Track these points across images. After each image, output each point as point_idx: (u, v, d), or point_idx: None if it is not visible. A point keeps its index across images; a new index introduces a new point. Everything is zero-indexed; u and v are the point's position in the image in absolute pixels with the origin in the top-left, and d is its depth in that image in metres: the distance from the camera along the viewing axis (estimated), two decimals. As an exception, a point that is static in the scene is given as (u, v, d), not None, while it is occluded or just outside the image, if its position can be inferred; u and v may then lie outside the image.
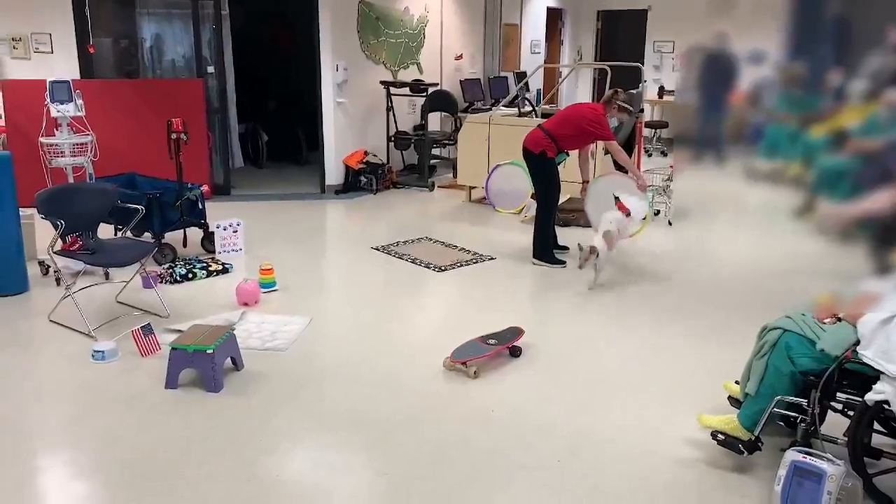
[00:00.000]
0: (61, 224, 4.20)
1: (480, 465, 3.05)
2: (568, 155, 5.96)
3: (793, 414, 2.95)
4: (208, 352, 3.58)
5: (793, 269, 5.80)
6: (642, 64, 9.51)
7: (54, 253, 4.36)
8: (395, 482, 2.92)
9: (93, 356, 3.95)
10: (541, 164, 5.78)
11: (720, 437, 3.01)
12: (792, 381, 2.91)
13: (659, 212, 7.41)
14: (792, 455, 2.67)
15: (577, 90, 13.16)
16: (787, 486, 2.64)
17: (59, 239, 4.36)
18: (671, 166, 7.76)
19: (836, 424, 2.94)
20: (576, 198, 6.98)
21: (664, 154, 11.36)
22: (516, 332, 4.18)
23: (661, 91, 12.11)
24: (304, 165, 9.85)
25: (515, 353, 4.09)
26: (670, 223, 7.20)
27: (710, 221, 7.60)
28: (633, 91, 8.08)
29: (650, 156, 11.01)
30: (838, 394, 2.89)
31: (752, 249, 6.52)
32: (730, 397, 3.38)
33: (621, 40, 13.37)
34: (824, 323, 2.95)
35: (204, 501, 2.77)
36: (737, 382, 3.37)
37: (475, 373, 3.79)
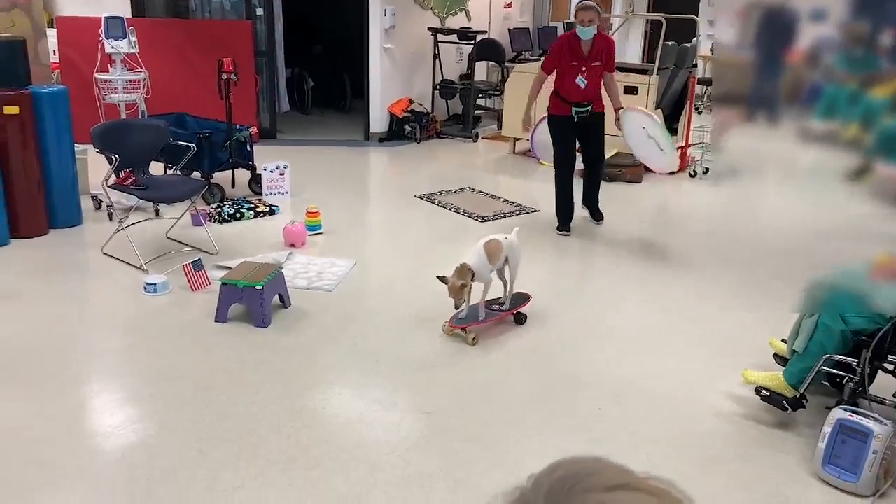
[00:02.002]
0: (116, 158, 4.28)
1: (518, 409, 3.09)
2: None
3: (840, 373, 2.92)
4: (257, 288, 3.66)
5: (844, 231, 5.66)
6: (697, 17, 9.21)
7: (108, 187, 4.46)
8: (435, 420, 2.98)
9: (145, 288, 4.06)
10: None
11: (764, 392, 3.00)
12: (842, 339, 2.87)
13: (707, 170, 7.28)
14: (838, 413, 2.66)
15: (628, 42, 12.84)
16: (831, 443, 2.63)
17: (114, 173, 4.45)
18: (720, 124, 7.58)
19: (884, 386, 2.90)
20: (623, 152, 6.88)
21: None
22: (523, 299, 3.96)
23: (715, 47, 11.75)
24: (348, 112, 9.84)
25: (520, 320, 3.87)
26: (716, 182, 7.07)
27: (760, 181, 7.43)
28: (687, 45, 7.86)
29: (700, 113, 10.74)
30: (889, 355, 2.85)
31: (802, 210, 6.37)
32: (775, 355, 3.36)
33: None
34: (880, 282, 2.90)
35: (253, 429, 2.86)
36: (783, 340, 3.34)
37: (474, 339, 3.60)
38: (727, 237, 5.52)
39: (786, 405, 2.93)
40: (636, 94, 7.02)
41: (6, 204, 4.71)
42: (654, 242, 5.37)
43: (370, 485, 2.57)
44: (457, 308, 3.62)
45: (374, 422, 2.97)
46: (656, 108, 7.12)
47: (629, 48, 12.96)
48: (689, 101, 7.60)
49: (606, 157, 6.79)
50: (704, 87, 11.13)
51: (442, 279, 3.58)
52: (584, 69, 5.05)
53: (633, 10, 12.97)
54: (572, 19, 5.27)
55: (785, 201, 6.96)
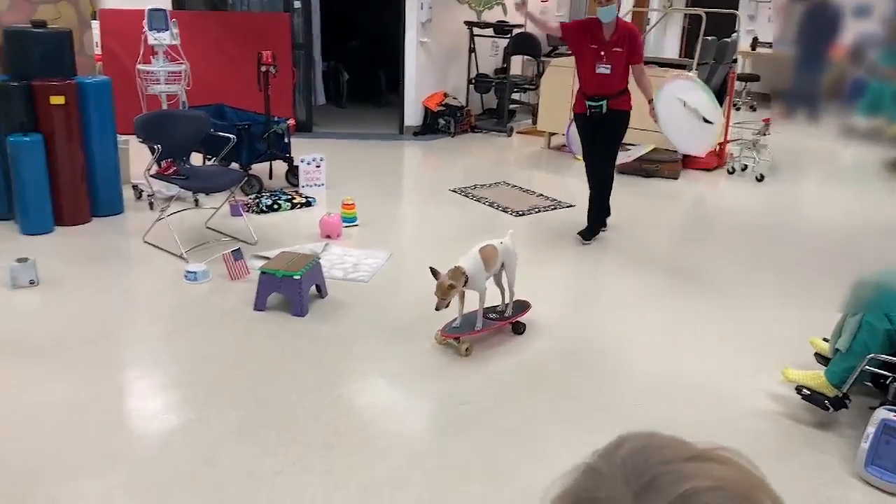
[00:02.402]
0: (158, 148, 4.36)
1: (555, 402, 3.08)
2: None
3: (884, 373, 2.87)
4: (296, 277, 3.70)
5: (887, 229, 5.56)
6: (737, 12, 9.08)
7: (150, 176, 4.54)
8: (471, 411, 2.99)
9: (185, 276, 4.13)
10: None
11: (805, 391, 2.96)
12: (887, 339, 2.82)
13: (747, 167, 7.17)
14: (883, 413, 2.61)
15: (666, 37, 12.68)
16: (874, 444, 2.59)
17: (155, 163, 4.52)
18: (764, 120, 7.47)
19: (930, 387, 2.84)
20: (660, 148, 6.82)
21: (753, 109, 10.92)
22: (522, 307, 3.73)
23: (755, 42, 11.58)
24: (383, 106, 9.88)
25: (518, 329, 3.64)
26: (759, 178, 6.96)
27: (802, 178, 7.32)
28: (727, 40, 7.75)
29: (738, 109, 10.59)
30: (936, 356, 2.79)
31: (844, 208, 6.26)
32: (817, 354, 3.31)
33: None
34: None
35: (292, 416, 2.90)
36: (825, 339, 3.29)
37: (467, 350, 3.39)
38: (767, 234, 5.44)
39: (827, 405, 2.89)
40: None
41: (51, 192, 4.81)
42: (691, 239, 5.32)
43: (407, 473, 2.59)
44: (437, 309, 3.29)
45: (411, 411, 2.99)
46: (694, 104, 7.04)
47: (667, 43, 12.81)
48: (728, 97, 7.50)
49: (643, 152, 6.75)
50: (744, 83, 10.98)
51: (434, 272, 3.34)
52: (602, 54, 4.64)
53: (671, 4, 12.81)
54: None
55: (827, 198, 6.89)
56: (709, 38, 7.09)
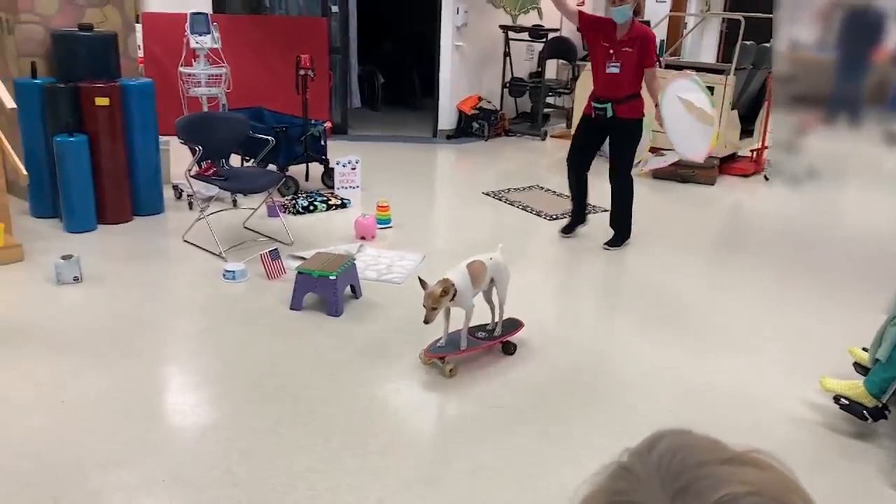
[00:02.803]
0: (199, 149, 4.45)
1: (586, 406, 3.08)
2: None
3: (926, 384, 2.82)
4: (331, 278, 3.75)
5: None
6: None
7: (191, 177, 4.63)
8: (504, 414, 3.00)
9: (224, 275, 4.20)
10: None
11: (843, 401, 2.92)
12: (929, 349, 2.77)
13: (780, 170, 7.08)
14: (923, 424, 2.57)
15: (703, 42, 12.56)
16: (914, 456, 2.54)
17: (196, 164, 4.62)
18: (799, 125, 7.36)
19: (973, 399, 2.79)
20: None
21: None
22: (513, 326, 3.55)
23: (793, 45, 11.39)
24: (417, 109, 9.93)
25: (509, 350, 3.48)
26: (795, 184, 6.87)
27: (842, 184, 7.20)
28: (766, 45, 7.65)
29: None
30: (980, 367, 2.74)
31: (887, 215, 6.15)
32: (855, 363, 3.27)
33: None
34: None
35: (327, 414, 2.94)
36: (864, 349, 3.24)
37: (451, 371, 3.23)
38: (805, 241, 5.37)
39: (866, 415, 2.85)
40: (712, 93, 6.87)
41: (95, 191, 4.93)
42: (727, 245, 5.27)
43: (440, 474, 2.61)
44: (426, 321, 3.13)
45: (444, 413, 3.02)
46: (732, 109, 6.98)
47: (704, 47, 12.69)
48: (766, 102, 7.41)
49: (679, 158, 6.68)
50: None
51: (422, 282, 3.21)
52: (612, 52, 4.58)
53: (709, 9, 12.69)
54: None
55: (868, 205, 6.75)
56: (747, 42, 7.01)
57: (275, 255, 4.24)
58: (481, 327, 3.52)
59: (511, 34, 8.72)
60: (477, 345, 3.40)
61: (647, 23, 10.62)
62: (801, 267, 4.83)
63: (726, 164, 7.17)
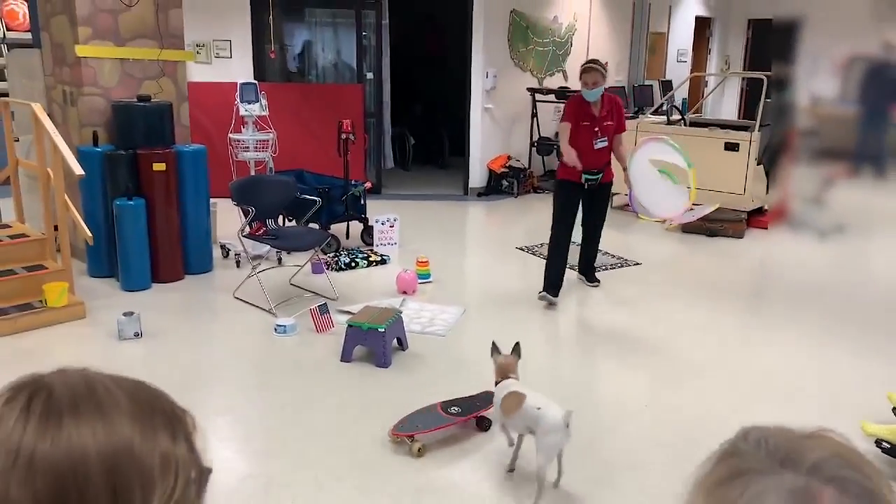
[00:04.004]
0: (252, 210, 4.70)
1: (638, 452, 3.19)
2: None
3: (966, 428, 2.90)
4: (380, 330, 3.93)
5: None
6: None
7: (243, 237, 4.87)
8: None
9: (275, 329, 4.40)
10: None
11: (885, 444, 3.00)
12: (967, 393, 2.86)
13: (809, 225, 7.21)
14: (965, 465, 2.64)
15: (724, 100, 12.85)
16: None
17: (247, 224, 4.87)
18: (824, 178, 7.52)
19: None
20: (724, 207, 6.92)
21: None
22: (488, 400, 3.33)
23: (815, 101, 11.62)
24: (445, 168, 10.24)
25: (484, 425, 3.35)
26: (825, 237, 6.98)
27: (869, 236, 7.29)
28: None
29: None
30: None
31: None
32: (894, 409, 3.34)
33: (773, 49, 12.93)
34: None
35: (382, 462, 3.08)
36: (903, 394, 3.33)
37: (419, 450, 3.09)
38: (836, 292, 5.46)
39: (908, 458, 2.93)
40: (737, 150, 7.09)
41: (150, 251, 5.19)
42: (760, 296, 5.38)
43: (496, 516, 2.73)
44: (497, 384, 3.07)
45: (492, 461, 3.14)
46: (758, 164, 7.15)
47: (725, 105, 12.97)
48: (789, 156, 7.58)
49: (707, 212, 6.85)
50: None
51: (495, 349, 3.17)
52: (596, 129, 4.82)
53: (728, 68, 13.02)
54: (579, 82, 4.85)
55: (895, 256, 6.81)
56: (769, 99, 7.24)
57: (323, 309, 4.44)
58: (454, 402, 3.37)
59: (538, 96, 9.04)
60: (447, 422, 3.24)
61: (669, 82, 10.92)
62: (834, 317, 4.92)
63: (754, 218, 7.31)
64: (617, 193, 8.11)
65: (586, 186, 4.89)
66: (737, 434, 0.73)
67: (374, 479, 2.95)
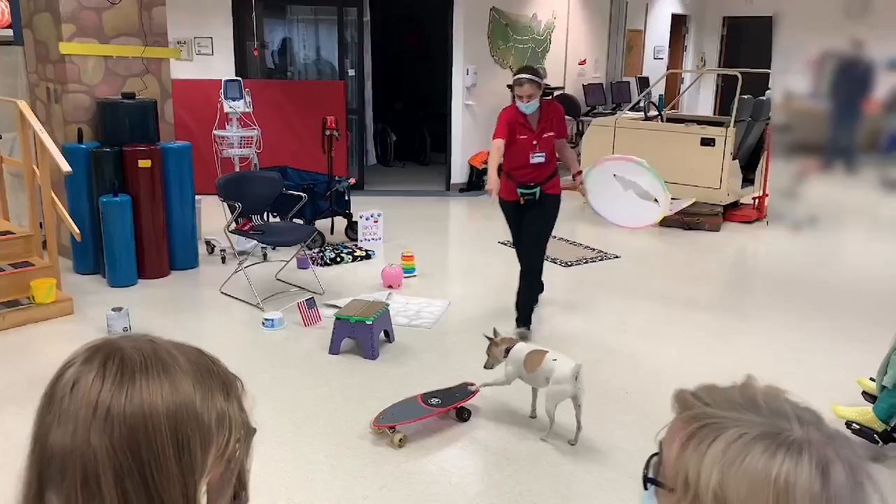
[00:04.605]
0: (238, 206, 4.75)
1: (611, 433, 3.30)
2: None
3: (930, 409, 3.05)
4: (368, 322, 4.01)
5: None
6: (770, 70, 9.42)
7: (230, 232, 4.93)
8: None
9: (263, 323, 4.46)
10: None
11: (855, 426, 3.14)
12: (930, 375, 3.01)
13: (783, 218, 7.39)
14: (929, 444, 2.79)
15: (700, 97, 13.05)
16: (922, 473, 2.76)
17: (234, 220, 4.92)
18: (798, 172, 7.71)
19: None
20: (701, 201, 7.08)
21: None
22: (467, 392, 3.50)
23: (787, 95, 11.88)
24: (426, 165, 10.32)
25: (463, 416, 3.44)
26: (799, 229, 7.17)
27: (840, 229, 7.49)
28: (762, 98, 8.06)
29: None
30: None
31: (886, 257, 6.42)
32: (864, 392, 3.49)
33: (746, 47, 13.17)
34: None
35: (375, 449, 3.17)
36: (871, 379, 3.47)
37: (400, 441, 3.18)
38: (808, 283, 5.63)
39: (876, 438, 3.07)
40: (713, 145, 7.24)
41: (136, 247, 5.22)
42: (735, 288, 5.53)
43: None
44: (486, 367, 3.47)
45: (477, 450, 3.24)
46: (733, 159, 7.32)
47: (701, 102, 13.17)
48: (766, 152, 7.76)
49: (685, 206, 7.01)
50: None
51: (495, 332, 3.50)
52: (535, 143, 4.35)
53: (704, 65, 13.22)
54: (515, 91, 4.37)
55: (868, 249, 7.03)
56: (745, 96, 7.40)
57: (311, 303, 4.51)
58: (434, 393, 3.47)
59: (518, 92, 9.14)
60: (427, 413, 3.33)
61: (646, 79, 11.07)
62: (808, 307, 5.08)
63: (730, 212, 7.48)
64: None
65: (522, 202, 4.46)
66: (679, 399, 0.81)
67: (359, 469, 3.04)
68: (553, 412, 3.22)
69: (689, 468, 0.73)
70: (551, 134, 4.42)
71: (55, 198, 4.80)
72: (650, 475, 0.79)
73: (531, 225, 4.52)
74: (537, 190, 4.44)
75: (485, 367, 3.49)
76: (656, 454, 0.80)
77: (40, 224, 4.99)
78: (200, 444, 0.72)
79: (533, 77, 4.29)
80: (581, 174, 4.57)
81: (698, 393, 0.80)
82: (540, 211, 4.51)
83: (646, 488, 0.79)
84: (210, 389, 0.75)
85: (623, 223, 4.77)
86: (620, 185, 4.52)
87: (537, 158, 4.39)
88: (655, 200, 4.42)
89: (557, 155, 4.52)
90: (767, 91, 8.76)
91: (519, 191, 4.43)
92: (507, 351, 3.41)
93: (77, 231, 4.72)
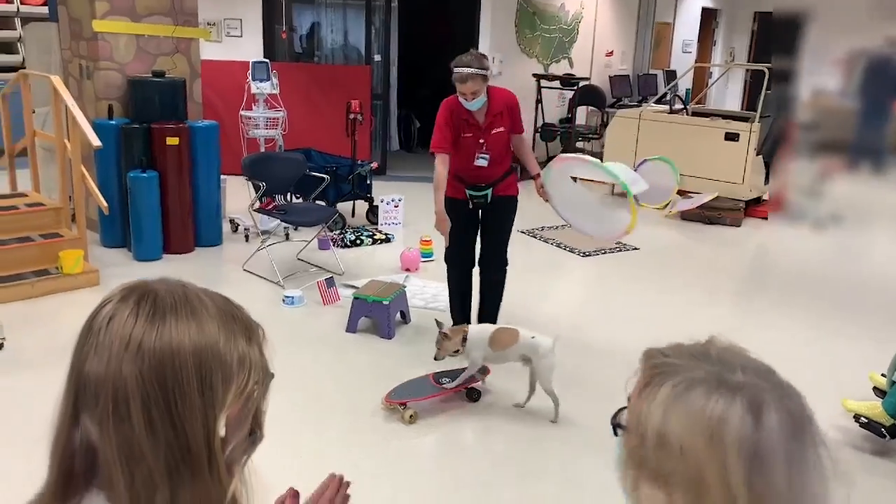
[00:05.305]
0: (263, 185, 4.84)
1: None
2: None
3: (939, 405, 3.06)
4: (385, 303, 4.08)
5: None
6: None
7: (254, 211, 5.02)
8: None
9: (283, 300, 4.55)
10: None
11: (863, 420, 3.16)
12: (941, 372, 3.02)
13: (808, 215, 7.35)
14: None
15: (728, 90, 12.95)
16: (928, 467, 2.78)
17: (258, 199, 5.01)
18: (824, 168, 7.66)
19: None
20: (724, 196, 7.07)
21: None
22: (479, 372, 3.50)
23: (816, 93, 11.75)
24: (451, 152, 10.35)
25: (473, 396, 3.48)
26: (820, 225, 7.13)
27: (863, 229, 7.43)
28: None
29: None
30: None
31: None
32: (875, 388, 3.51)
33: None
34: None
35: (386, 426, 3.25)
36: (883, 375, 3.49)
37: (411, 417, 3.24)
38: (827, 280, 5.61)
39: (884, 432, 3.09)
40: (737, 140, 7.21)
41: (162, 223, 5.33)
42: (753, 282, 5.53)
43: (492, 479, 2.89)
44: (436, 359, 3.38)
45: (486, 429, 3.30)
46: (757, 155, 7.28)
47: (729, 96, 13.07)
48: (785, 147, 7.71)
49: (706, 200, 7.00)
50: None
51: (438, 323, 3.44)
52: (481, 141, 3.75)
53: (733, 59, 13.11)
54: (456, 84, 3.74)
55: (891, 249, 6.97)
56: (770, 91, 7.36)
57: (330, 282, 4.59)
58: (445, 373, 3.47)
59: (543, 82, 9.15)
60: (438, 391, 3.39)
61: (673, 72, 10.98)
62: (824, 303, 5.07)
63: (751, 207, 7.45)
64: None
65: (470, 205, 3.87)
66: (646, 353, 0.88)
67: (371, 443, 3.12)
68: (553, 388, 3.29)
69: (641, 410, 0.80)
70: (501, 130, 3.78)
71: (85, 172, 4.92)
72: (617, 422, 0.85)
73: (490, 235, 3.98)
74: (488, 192, 3.83)
75: (435, 359, 3.40)
76: (625, 407, 0.86)
77: (70, 197, 5.12)
78: (222, 381, 0.79)
79: (478, 70, 3.59)
80: (540, 177, 3.96)
81: (664, 348, 0.86)
82: (496, 217, 3.94)
83: (615, 434, 0.85)
84: (233, 333, 0.82)
85: (591, 232, 4.20)
86: (581, 191, 4.05)
87: (481, 160, 3.75)
88: (635, 199, 3.79)
89: (516, 152, 3.95)
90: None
91: (469, 193, 3.82)
92: (464, 339, 3.36)
93: (105, 205, 4.83)
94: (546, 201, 4.03)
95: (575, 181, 4.11)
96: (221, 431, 0.81)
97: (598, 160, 3.96)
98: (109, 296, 0.81)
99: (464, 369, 3.53)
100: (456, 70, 3.65)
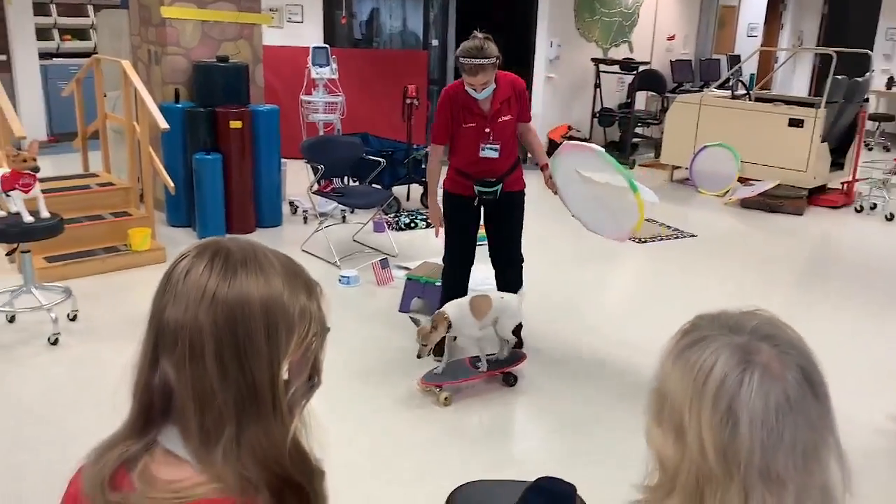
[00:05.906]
0: (321, 168, 4.96)
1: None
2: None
3: None
4: (437, 284, 4.14)
5: None
6: (871, 51, 9.00)
7: (312, 193, 5.15)
8: (594, 410, 3.30)
9: (339, 280, 4.67)
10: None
11: (921, 413, 3.09)
12: None
13: (875, 205, 7.12)
14: None
15: (795, 75, 12.56)
16: None
17: (316, 182, 5.14)
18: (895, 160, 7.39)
19: None
20: (785, 184, 6.90)
21: (886, 149, 10.65)
22: (515, 357, 3.54)
23: (890, 82, 11.30)
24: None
25: (509, 381, 3.50)
26: (889, 217, 6.89)
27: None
28: (859, 79, 7.73)
29: (870, 149, 10.37)
30: None
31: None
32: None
33: (850, 26, 12.56)
34: None
35: (434, 401, 3.33)
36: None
37: (446, 399, 3.28)
38: (892, 273, 5.44)
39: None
40: (801, 126, 7.02)
41: (225, 203, 5.52)
42: (814, 273, 5.40)
43: (534, 465, 2.94)
44: (419, 356, 3.29)
45: (523, 412, 3.35)
46: (822, 142, 7.08)
47: (796, 81, 12.68)
48: (858, 136, 7.47)
49: (767, 188, 6.84)
50: (877, 123, 10.73)
51: (414, 321, 3.37)
52: (487, 130, 3.47)
53: (801, 43, 12.70)
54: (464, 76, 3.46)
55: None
56: (839, 77, 7.12)
57: (384, 263, 4.69)
58: (479, 357, 3.45)
59: (602, 67, 9.06)
60: (473, 375, 3.40)
61: (737, 56, 10.71)
62: (885, 297, 4.93)
63: (815, 196, 7.25)
64: (679, 167, 8.15)
65: (477, 202, 3.61)
66: (693, 318, 0.93)
67: (430, 412, 3.20)
68: (511, 336, 3.46)
69: (661, 368, 0.88)
70: (509, 118, 3.50)
71: (153, 153, 5.13)
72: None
73: (504, 233, 3.77)
74: (498, 188, 3.56)
75: (418, 357, 3.30)
76: None
77: (138, 178, 5.34)
78: (285, 330, 0.88)
79: (487, 60, 3.33)
80: (548, 167, 3.69)
81: (704, 315, 0.91)
82: (509, 213, 3.73)
83: None
84: (296, 288, 0.90)
85: (602, 232, 3.86)
86: (588, 185, 3.65)
87: (489, 151, 3.49)
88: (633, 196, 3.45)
89: (523, 141, 3.72)
90: (867, 73, 8.35)
91: (476, 188, 3.53)
92: (449, 326, 3.31)
93: (172, 185, 5.03)
94: (555, 193, 3.79)
95: (579, 174, 3.75)
96: (284, 375, 0.89)
97: (603, 150, 3.62)
98: (185, 251, 0.90)
99: (492, 355, 3.48)
100: (465, 62, 3.35)
